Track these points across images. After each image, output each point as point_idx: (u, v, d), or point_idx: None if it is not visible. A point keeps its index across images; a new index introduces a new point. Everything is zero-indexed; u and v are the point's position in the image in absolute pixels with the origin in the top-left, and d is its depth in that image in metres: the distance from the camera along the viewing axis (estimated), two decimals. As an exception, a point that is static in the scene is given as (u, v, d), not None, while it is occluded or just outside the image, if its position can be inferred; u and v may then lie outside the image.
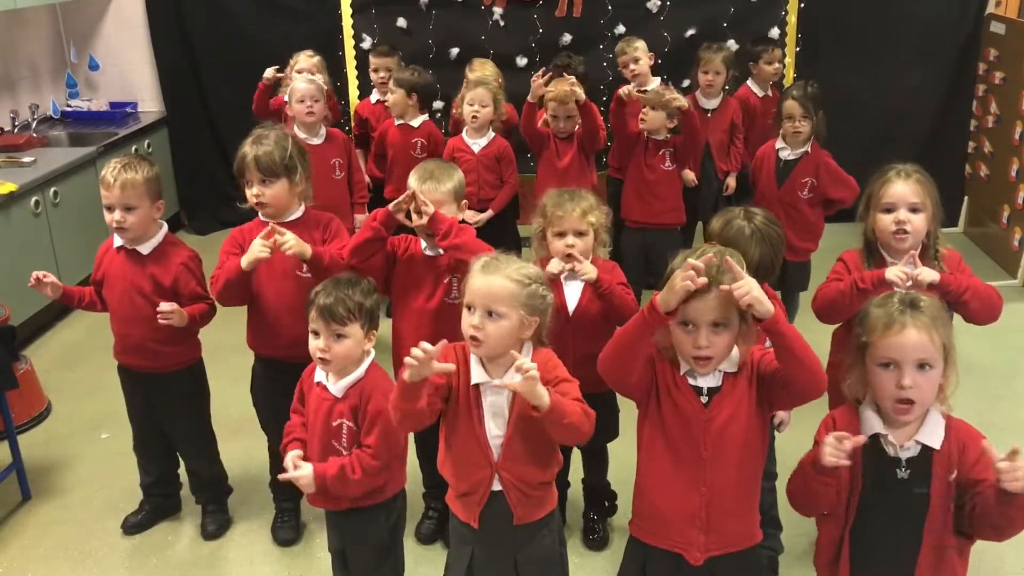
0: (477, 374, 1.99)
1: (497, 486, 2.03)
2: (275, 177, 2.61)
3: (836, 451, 1.73)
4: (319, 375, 2.23)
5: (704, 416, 1.89)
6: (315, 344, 2.15)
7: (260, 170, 2.59)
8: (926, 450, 1.81)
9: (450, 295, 2.61)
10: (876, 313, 1.82)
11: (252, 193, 2.63)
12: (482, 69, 4.50)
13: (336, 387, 2.18)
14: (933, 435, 1.81)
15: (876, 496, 1.85)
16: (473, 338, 1.92)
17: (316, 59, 4.43)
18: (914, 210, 2.40)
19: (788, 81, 5.36)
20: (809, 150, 3.68)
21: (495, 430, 2.00)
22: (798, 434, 2.46)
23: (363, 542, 2.30)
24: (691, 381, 1.92)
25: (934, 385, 1.79)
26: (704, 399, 1.90)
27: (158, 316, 2.60)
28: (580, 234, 2.54)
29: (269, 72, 4.28)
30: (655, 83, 4.45)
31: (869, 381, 1.83)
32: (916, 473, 1.81)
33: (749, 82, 4.75)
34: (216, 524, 3.00)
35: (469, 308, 1.93)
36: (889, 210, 2.42)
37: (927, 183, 2.44)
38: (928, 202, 2.42)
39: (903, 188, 2.41)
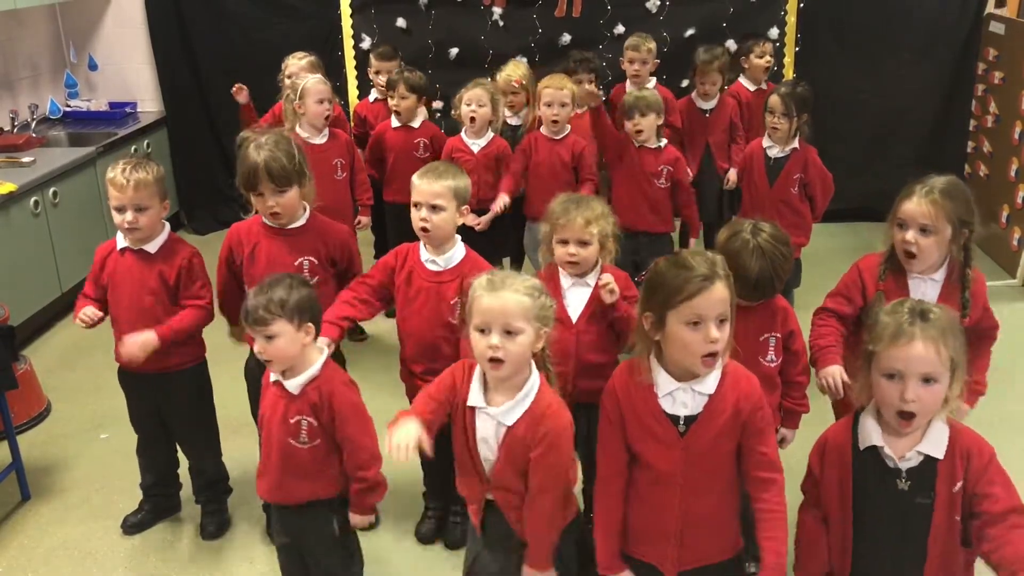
0: (474, 397, 1.95)
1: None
2: (288, 185, 2.58)
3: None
4: (274, 375, 2.24)
5: (680, 444, 1.85)
6: (256, 346, 2.19)
7: (274, 181, 2.55)
8: (928, 460, 1.77)
9: (453, 315, 2.55)
10: (885, 321, 1.76)
11: (268, 205, 2.58)
12: (515, 70, 4.33)
13: (292, 384, 2.19)
14: (936, 445, 1.77)
15: (876, 508, 1.81)
16: (494, 360, 1.85)
17: (305, 61, 4.30)
18: (924, 231, 2.29)
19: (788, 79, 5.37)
20: (797, 146, 3.67)
21: (487, 453, 1.99)
22: (794, 445, 2.47)
23: (311, 538, 2.32)
24: (667, 409, 1.86)
25: (937, 399, 1.73)
26: (681, 428, 1.85)
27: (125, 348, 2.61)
28: (583, 243, 2.46)
29: (243, 97, 4.36)
30: (651, 84, 4.49)
31: (873, 389, 1.78)
32: (917, 484, 1.77)
33: (741, 77, 4.75)
34: (216, 524, 3.00)
35: (483, 331, 1.86)
36: (902, 225, 2.33)
37: (950, 204, 2.27)
38: (942, 224, 2.27)
39: (914, 208, 2.28)
